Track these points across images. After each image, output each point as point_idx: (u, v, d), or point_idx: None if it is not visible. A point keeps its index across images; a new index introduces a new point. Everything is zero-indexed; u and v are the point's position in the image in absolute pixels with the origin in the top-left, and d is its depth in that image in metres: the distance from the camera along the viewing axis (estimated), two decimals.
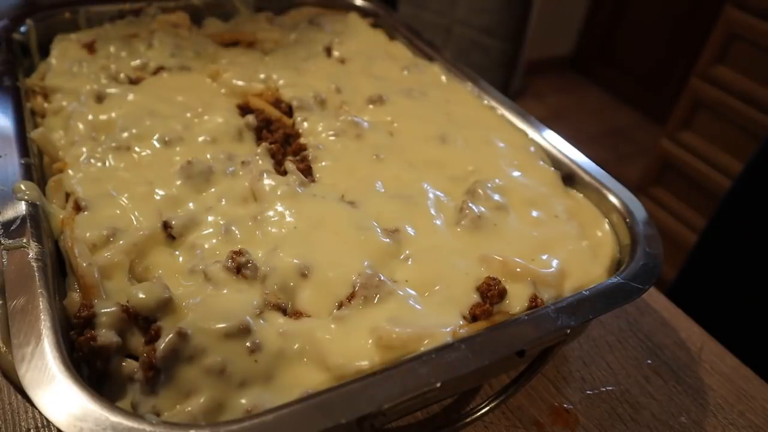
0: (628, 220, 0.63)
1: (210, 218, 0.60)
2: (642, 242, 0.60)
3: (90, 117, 0.72)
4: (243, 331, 0.47)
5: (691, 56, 2.17)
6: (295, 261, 0.54)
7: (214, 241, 0.57)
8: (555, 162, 0.72)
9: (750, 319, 1.06)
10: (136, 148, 0.67)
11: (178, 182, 0.63)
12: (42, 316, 0.44)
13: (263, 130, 0.74)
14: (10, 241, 0.50)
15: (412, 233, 0.60)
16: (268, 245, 0.56)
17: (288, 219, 0.59)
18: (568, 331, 0.50)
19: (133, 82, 0.81)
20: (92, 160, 0.65)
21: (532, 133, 0.76)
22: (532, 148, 0.74)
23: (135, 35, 0.90)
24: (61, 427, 0.38)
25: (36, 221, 0.53)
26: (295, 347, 0.48)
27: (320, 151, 0.70)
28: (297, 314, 0.52)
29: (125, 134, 0.69)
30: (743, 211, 1.08)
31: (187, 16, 0.95)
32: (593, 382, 0.66)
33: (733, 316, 1.05)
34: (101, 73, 0.81)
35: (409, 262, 0.57)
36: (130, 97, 0.75)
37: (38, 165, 0.64)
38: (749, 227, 1.07)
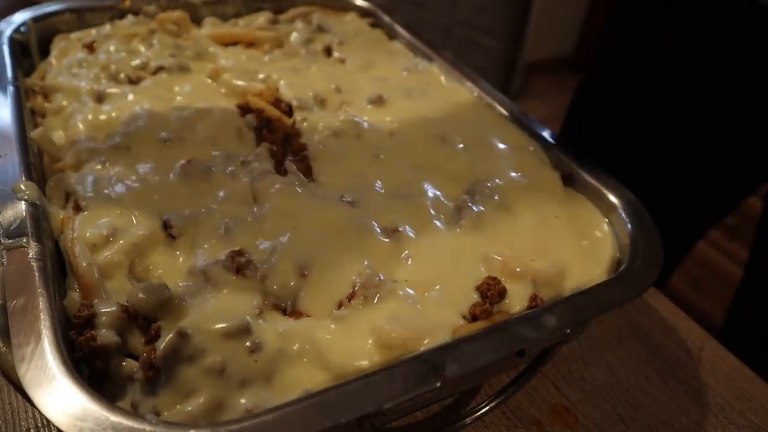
0: (627, 219, 0.63)
1: (210, 218, 0.60)
2: (642, 242, 0.60)
3: (90, 117, 0.71)
4: (243, 331, 0.47)
5: None
6: (295, 261, 0.54)
7: (214, 241, 0.57)
8: (555, 162, 0.72)
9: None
10: (136, 148, 0.67)
11: (178, 182, 0.63)
12: (42, 316, 0.44)
13: (263, 130, 0.74)
14: (10, 241, 0.50)
15: (412, 233, 0.60)
16: (268, 245, 0.56)
17: (288, 219, 0.59)
18: (568, 331, 0.50)
19: (133, 82, 0.81)
20: (92, 161, 0.65)
21: (531, 133, 0.76)
22: (531, 148, 0.74)
23: (135, 35, 0.89)
24: (61, 427, 0.38)
25: (36, 221, 0.53)
26: (295, 347, 0.48)
27: (320, 151, 0.70)
28: (297, 314, 0.52)
29: (125, 134, 0.68)
30: None
31: (187, 16, 0.95)
32: (593, 382, 0.66)
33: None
34: (101, 73, 0.80)
35: (409, 262, 0.57)
36: (130, 97, 0.75)
37: (38, 165, 0.64)
38: None
